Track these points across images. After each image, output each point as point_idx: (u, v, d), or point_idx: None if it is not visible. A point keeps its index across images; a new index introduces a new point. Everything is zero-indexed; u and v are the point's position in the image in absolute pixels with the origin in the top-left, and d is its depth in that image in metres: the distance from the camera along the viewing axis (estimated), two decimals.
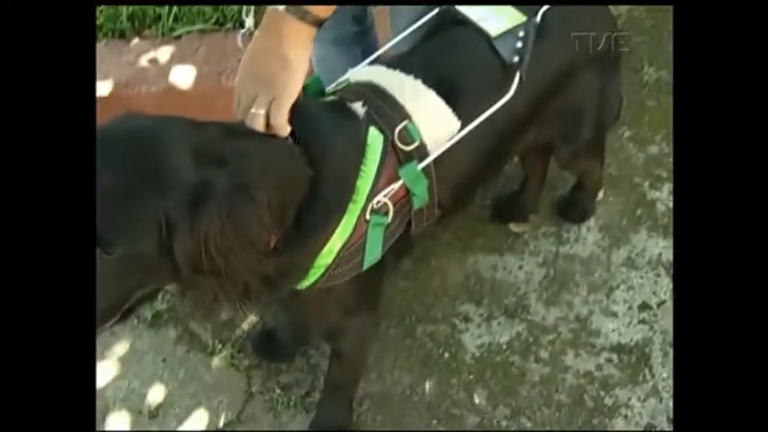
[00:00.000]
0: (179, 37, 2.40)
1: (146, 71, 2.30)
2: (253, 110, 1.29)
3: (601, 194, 2.23)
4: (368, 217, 1.37)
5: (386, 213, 1.39)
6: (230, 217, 1.14)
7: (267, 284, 1.26)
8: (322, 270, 1.37)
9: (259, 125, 1.28)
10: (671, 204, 2.24)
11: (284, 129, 1.29)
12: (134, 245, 1.12)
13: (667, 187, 2.28)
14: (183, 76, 2.27)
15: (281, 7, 1.27)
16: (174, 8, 2.42)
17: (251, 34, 1.39)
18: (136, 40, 2.41)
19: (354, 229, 1.36)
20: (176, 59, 2.32)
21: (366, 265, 1.42)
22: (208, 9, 2.40)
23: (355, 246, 1.38)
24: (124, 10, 2.41)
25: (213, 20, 2.39)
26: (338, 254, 1.36)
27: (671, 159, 2.33)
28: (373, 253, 1.42)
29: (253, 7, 1.56)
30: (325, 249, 1.35)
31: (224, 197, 1.14)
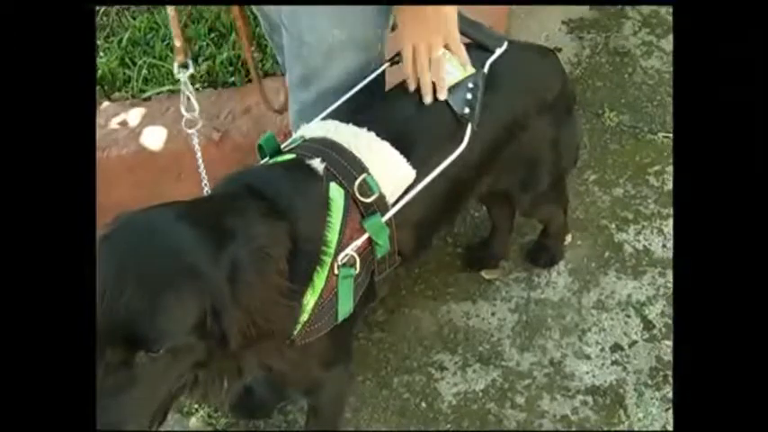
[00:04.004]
0: (149, 98, 2.43)
1: (116, 133, 2.31)
2: None
3: (569, 238, 2.27)
4: (336, 271, 1.40)
5: (353, 265, 1.42)
6: (260, 278, 1.23)
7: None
8: (299, 327, 1.38)
9: None
10: (638, 246, 2.28)
11: None
12: (180, 337, 1.17)
13: (633, 229, 2.33)
14: (154, 138, 2.29)
15: None
16: (144, 70, 2.45)
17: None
18: (106, 104, 2.43)
19: (326, 283, 1.39)
20: (147, 121, 2.35)
21: (341, 318, 1.44)
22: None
23: (328, 300, 1.40)
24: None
25: None
26: (312, 310, 1.39)
27: (636, 201, 2.38)
28: (346, 305, 1.45)
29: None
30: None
31: (250, 264, 1.22)
